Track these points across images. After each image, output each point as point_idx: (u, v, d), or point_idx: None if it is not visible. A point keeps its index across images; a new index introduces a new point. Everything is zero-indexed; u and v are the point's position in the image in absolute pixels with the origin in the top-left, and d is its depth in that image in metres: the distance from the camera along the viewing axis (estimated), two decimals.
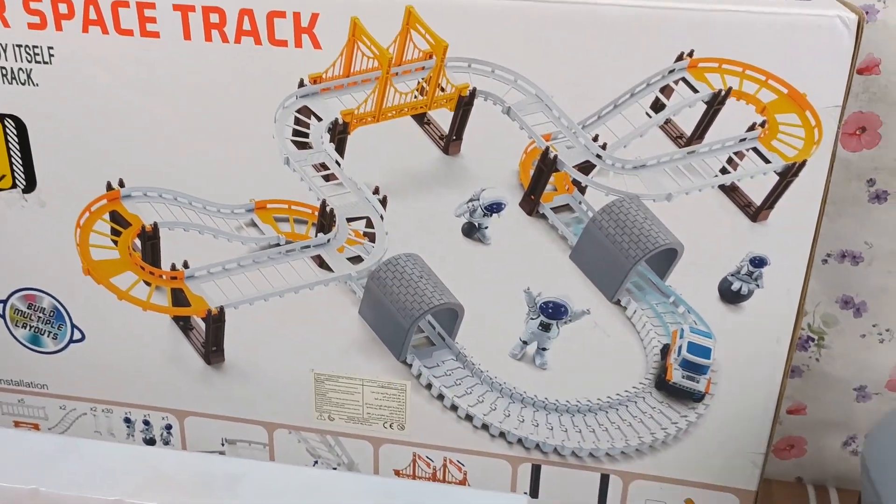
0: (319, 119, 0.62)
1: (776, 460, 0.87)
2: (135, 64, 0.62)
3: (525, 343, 0.67)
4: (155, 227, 0.67)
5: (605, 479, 0.72)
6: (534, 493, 0.73)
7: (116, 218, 0.68)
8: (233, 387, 0.73)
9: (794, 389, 0.81)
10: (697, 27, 0.55)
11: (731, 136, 0.58)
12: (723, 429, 0.67)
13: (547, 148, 0.60)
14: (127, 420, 0.77)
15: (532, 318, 0.66)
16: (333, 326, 0.69)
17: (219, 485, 0.65)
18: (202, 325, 0.71)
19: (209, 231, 0.67)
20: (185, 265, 0.69)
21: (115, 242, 0.69)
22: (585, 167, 0.61)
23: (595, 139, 0.59)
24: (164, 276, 0.69)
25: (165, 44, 0.60)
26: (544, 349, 0.67)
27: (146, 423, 0.77)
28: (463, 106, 0.60)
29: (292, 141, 0.63)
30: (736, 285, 0.62)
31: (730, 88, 0.56)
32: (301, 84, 0.60)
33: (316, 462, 0.76)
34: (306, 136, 0.63)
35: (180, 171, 0.66)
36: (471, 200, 0.63)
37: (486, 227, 0.64)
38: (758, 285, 0.62)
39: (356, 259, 0.67)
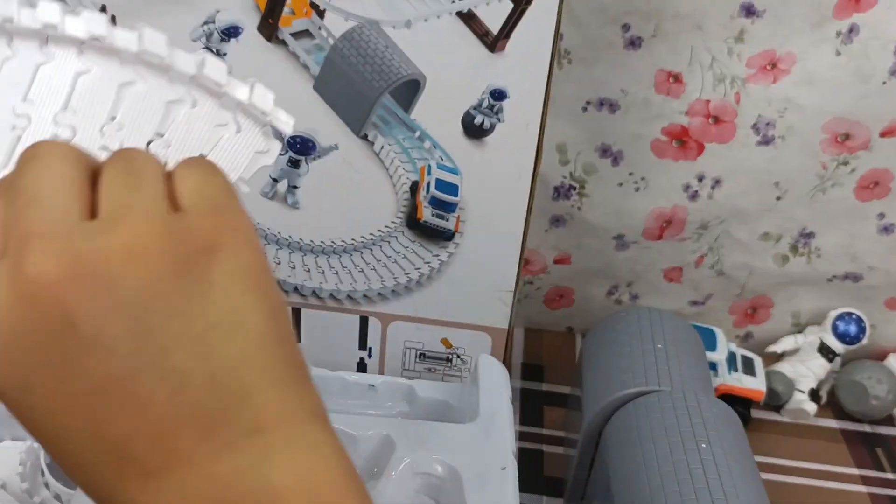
0: None
1: (547, 311, 0.90)
2: None
3: (275, 180, 0.66)
4: None
5: (364, 322, 0.72)
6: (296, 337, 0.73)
7: None
8: None
9: (558, 239, 0.83)
10: None
11: None
12: (473, 268, 0.69)
13: None
14: None
15: (280, 154, 0.64)
16: None
17: None
18: None
19: None
20: None
21: None
22: None
23: None
24: None
25: None
26: (295, 187, 0.66)
27: None
28: None
29: None
30: (478, 119, 0.62)
31: None
32: None
33: None
34: None
35: None
36: (206, 23, 0.59)
37: (225, 54, 0.61)
38: (499, 119, 0.62)
39: None
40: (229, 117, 0.34)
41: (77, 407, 0.26)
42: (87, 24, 0.33)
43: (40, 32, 0.33)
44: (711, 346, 0.77)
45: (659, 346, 0.65)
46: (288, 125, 0.35)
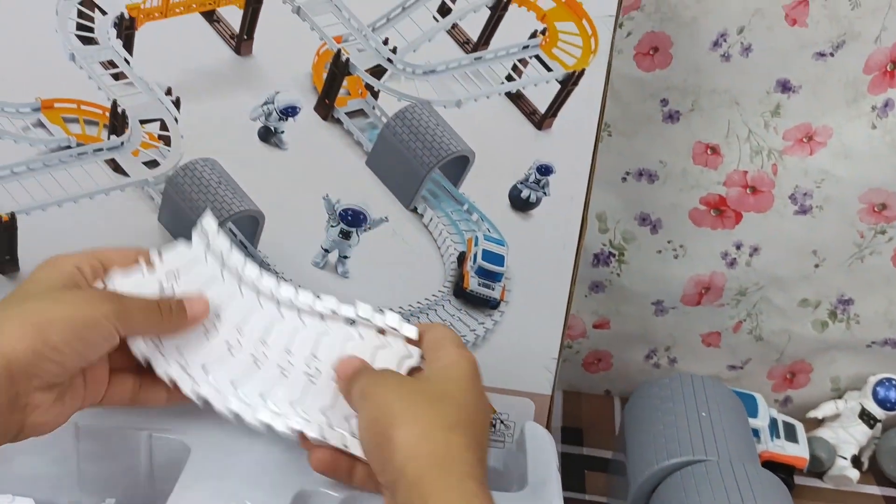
0: (104, 13, 0.60)
1: (586, 374, 0.91)
2: None
3: (327, 251, 0.68)
4: None
5: None
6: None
7: None
8: None
9: (598, 304, 0.85)
10: None
11: (515, 43, 0.59)
12: (517, 335, 0.70)
13: (339, 50, 0.60)
14: None
15: (332, 226, 0.67)
16: (133, 234, 0.68)
17: None
18: None
19: None
20: None
21: None
22: (377, 71, 0.61)
23: (385, 42, 0.60)
24: None
25: None
26: (346, 257, 0.68)
27: None
28: (252, 3, 0.59)
29: (77, 36, 0.61)
30: (525, 193, 0.64)
31: None
32: None
33: None
34: (91, 30, 0.60)
35: None
36: (265, 103, 0.62)
37: (283, 132, 0.63)
38: (545, 193, 0.64)
39: (152, 163, 0.65)
40: (385, 340, 0.53)
41: None
42: (356, 309, 0.56)
43: (319, 313, 0.56)
44: (753, 412, 0.78)
45: (703, 413, 0.66)
46: (412, 332, 0.54)
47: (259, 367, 0.53)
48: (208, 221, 0.54)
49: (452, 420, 0.45)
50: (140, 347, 0.52)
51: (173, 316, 0.52)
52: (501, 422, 0.75)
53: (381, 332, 0.54)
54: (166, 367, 0.52)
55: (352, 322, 0.55)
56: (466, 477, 0.43)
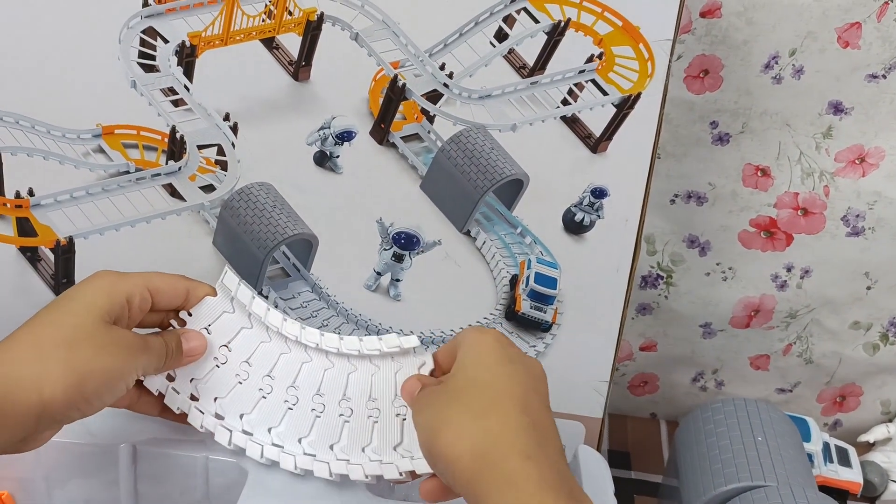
0: (166, 41, 0.61)
1: (631, 397, 0.91)
2: None
3: (379, 274, 0.68)
4: None
5: None
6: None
7: None
8: None
9: (645, 326, 0.84)
10: None
11: (571, 67, 0.60)
12: (569, 358, 0.70)
13: (395, 76, 0.61)
14: None
15: (385, 249, 0.67)
16: (188, 257, 0.69)
17: None
18: (51, 256, 0.69)
19: (54, 157, 0.65)
20: (31, 193, 0.67)
21: None
22: (433, 96, 0.62)
23: (442, 68, 0.60)
24: (9, 205, 0.67)
25: None
26: (398, 280, 0.68)
27: None
28: (311, 31, 0.60)
29: (138, 63, 0.62)
30: (578, 216, 0.64)
31: (569, 19, 0.58)
32: (145, 3, 0.59)
33: None
34: (153, 58, 0.62)
35: (22, 94, 0.63)
36: (322, 128, 0.63)
37: (338, 156, 0.64)
38: (599, 216, 0.64)
39: (209, 188, 0.66)
40: (404, 361, 0.52)
41: None
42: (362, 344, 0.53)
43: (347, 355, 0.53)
44: (806, 436, 0.77)
45: (759, 438, 0.65)
46: (413, 342, 0.52)
47: (305, 413, 0.54)
48: (230, 278, 0.54)
49: (484, 405, 0.43)
50: (155, 383, 0.53)
51: (173, 355, 0.52)
52: None
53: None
54: (201, 419, 0.54)
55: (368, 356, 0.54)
56: (510, 458, 0.40)
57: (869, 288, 0.79)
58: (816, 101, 0.71)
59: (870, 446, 0.85)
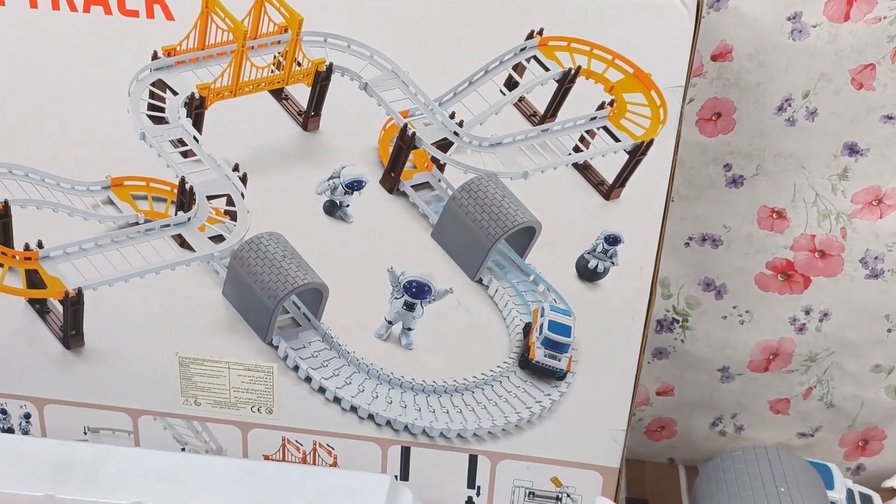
0: (175, 93, 0.61)
1: (648, 442, 0.89)
2: None
3: (390, 323, 0.67)
4: (6, 204, 0.65)
5: (473, 460, 0.72)
6: (404, 475, 0.73)
7: None
8: (94, 372, 0.71)
9: (661, 370, 0.83)
10: (546, 5, 0.56)
11: (583, 114, 0.59)
12: (584, 406, 0.69)
13: (405, 125, 0.60)
14: None
15: (396, 298, 0.66)
16: (197, 308, 0.68)
17: (80, 470, 0.63)
18: (60, 307, 0.69)
19: (64, 209, 0.65)
20: (40, 245, 0.67)
21: None
22: (444, 144, 0.61)
23: (452, 116, 0.60)
24: (18, 257, 0.67)
25: (11, 11, 0.58)
26: (409, 329, 0.67)
27: (2, 412, 0.74)
28: (320, 81, 0.59)
29: (148, 115, 0.62)
30: (592, 263, 0.63)
31: (579, 67, 0.57)
32: (154, 56, 0.59)
33: (183, 449, 0.74)
34: (162, 110, 0.61)
35: (31, 147, 0.63)
36: (331, 178, 0.63)
37: (348, 206, 0.64)
38: (613, 263, 0.63)
39: (218, 238, 0.66)
40: None
41: None
42: None
43: None
44: (829, 483, 0.75)
45: (782, 489, 0.64)
46: None
47: None
48: None
49: None
50: None
51: None
52: (568, 496, 0.73)
53: None
54: None
55: None
56: None
57: (889, 330, 0.77)
58: (831, 142, 0.70)
59: (894, 492, 0.82)
